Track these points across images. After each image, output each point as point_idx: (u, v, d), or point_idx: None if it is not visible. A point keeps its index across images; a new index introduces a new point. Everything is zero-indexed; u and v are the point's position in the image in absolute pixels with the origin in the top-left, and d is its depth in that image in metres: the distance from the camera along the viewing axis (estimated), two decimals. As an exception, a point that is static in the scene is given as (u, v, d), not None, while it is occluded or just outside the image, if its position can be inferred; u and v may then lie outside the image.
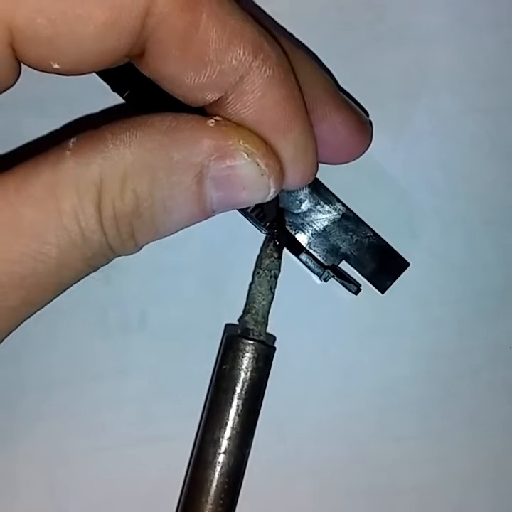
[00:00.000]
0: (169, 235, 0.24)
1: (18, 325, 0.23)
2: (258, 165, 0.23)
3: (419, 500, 0.32)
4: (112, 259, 0.24)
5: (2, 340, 0.23)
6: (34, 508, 0.31)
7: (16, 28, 0.21)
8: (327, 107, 0.26)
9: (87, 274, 0.23)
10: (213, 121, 0.23)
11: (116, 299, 0.31)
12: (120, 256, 0.24)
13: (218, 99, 0.23)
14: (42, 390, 0.31)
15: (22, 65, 0.23)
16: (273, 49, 0.23)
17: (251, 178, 0.23)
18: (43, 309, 0.23)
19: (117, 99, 0.30)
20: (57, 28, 0.21)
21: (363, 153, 0.28)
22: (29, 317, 0.23)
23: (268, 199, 0.24)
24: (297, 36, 0.31)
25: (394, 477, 0.32)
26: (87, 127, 0.23)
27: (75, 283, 0.23)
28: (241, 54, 0.22)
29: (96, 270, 0.23)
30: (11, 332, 0.23)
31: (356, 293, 0.30)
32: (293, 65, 0.24)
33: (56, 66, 0.22)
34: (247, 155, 0.22)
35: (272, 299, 0.29)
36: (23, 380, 0.31)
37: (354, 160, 0.28)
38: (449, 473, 0.32)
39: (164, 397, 0.31)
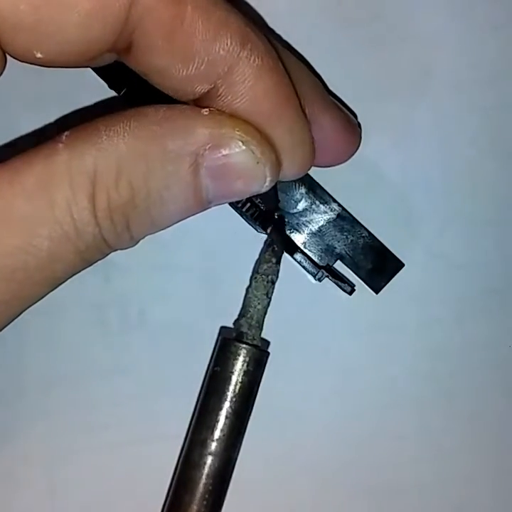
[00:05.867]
0: (165, 227, 0.24)
1: (11, 320, 0.23)
2: (253, 153, 0.22)
3: (419, 499, 0.31)
4: (107, 254, 0.23)
5: None
6: (34, 505, 0.30)
7: (0, 15, 0.21)
8: (315, 106, 0.26)
9: (82, 269, 0.23)
10: (207, 110, 0.23)
11: (115, 298, 0.31)
12: (116, 250, 0.23)
13: (209, 91, 0.23)
14: (41, 388, 0.30)
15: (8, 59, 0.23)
16: (260, 38, 0.23)
17: (246, 166, 0.23)
18: (43, 307, 0.23)
19: (113, 94, 0.29)
20: (40, 16, 0.21)
21: (353, 154, 0.28)
22: (22, 312, 0.23)
23: (264, 189, 0.24)
24: (296, 35, 0.31)
25: (394, 476, 0.31)
26: (82, 121, 0.22)
27: (69, 277, 0.23)
28: (228, 44, 0.22)
29: (91, 265, 0.23)
30: (4, 327, 0.23)
31: (350, 293, 0.30)
32: None
33: (39, 55, 0.22)
34: (242, 143, 0.22)
35: (268, 304, 0.29)
36: (22, 378, 0.30)
37: (344, 162, 0.28)
38: (448, 472, 0.32)
39: (164, 395, 0.31)
